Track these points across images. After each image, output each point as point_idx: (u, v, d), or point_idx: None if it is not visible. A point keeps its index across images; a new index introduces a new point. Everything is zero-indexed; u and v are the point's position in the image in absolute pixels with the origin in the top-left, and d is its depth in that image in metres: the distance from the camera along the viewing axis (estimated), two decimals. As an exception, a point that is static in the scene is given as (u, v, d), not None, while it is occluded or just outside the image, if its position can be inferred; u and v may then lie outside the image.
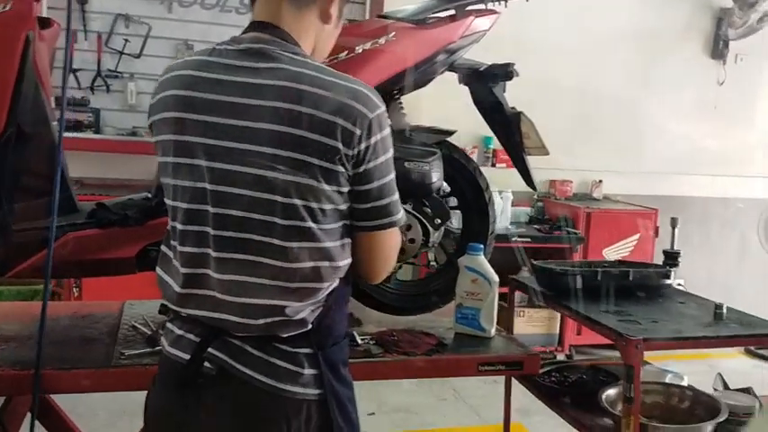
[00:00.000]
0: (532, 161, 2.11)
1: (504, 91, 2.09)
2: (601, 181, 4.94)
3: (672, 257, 2.13)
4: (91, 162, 3.92)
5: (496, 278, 1.96)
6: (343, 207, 1.21)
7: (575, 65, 4.77)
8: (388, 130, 1.22)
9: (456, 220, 2.14)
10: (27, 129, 1.61)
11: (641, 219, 4.48)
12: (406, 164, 1.84)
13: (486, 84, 2.04)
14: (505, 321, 2.66)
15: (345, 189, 1.19)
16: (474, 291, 1.95)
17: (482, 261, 1.98)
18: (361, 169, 1.19)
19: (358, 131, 1.16)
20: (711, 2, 5.13)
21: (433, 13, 1.94)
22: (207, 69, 1.20)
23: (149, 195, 1.80)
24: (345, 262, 1.24)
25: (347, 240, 1.24)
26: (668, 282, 2.10)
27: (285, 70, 1.17)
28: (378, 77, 1.81)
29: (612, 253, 4.42)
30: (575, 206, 4.58)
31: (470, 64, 2.05)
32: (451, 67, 2.04)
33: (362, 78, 1.76)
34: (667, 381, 2.02)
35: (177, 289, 1.24)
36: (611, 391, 1.86)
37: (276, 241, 1.16)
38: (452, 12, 1.98)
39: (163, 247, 1.30)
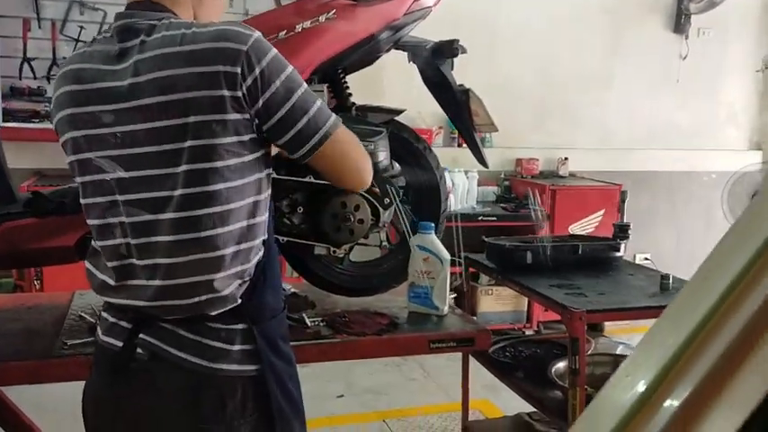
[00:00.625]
0: (503, 141, 2.10)
1: (453, 68, 2.08)
2: (567, 158, 4.97)
3: (622, 230, 2.14)
4: (48, 152, 3.85)
5: (448, 256, 1.96)
6: (250, 158, 1.17)
7: (539, 42, 4.78)
8: (271, 53, 1.15)
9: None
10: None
11: (606, 195, 4.51)
12: (350, 144, 1.82)
13: (432, 62, 2.02)
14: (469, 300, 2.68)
15: (248, 136, 1.15)
16: (426, 269, 1.96)
17: (433, 239, 1.98)
18: (260, 104, 1.14)
19: (237, 69, 1.11)
20: (672, -25, 5.16)
21: (375, -9, 1.92)
22: (89, 60, 1.19)
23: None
24: (260, 219, 1.21)
25: (261, 197, 1.21)
26: (618, 254, 2.12)
27: (150, 41, 1.15)
28: (319, 56, 1.79)
29: (578, 229, 4.45)
30: (540, 183, 4.60)
31: (416, 42, 2.04)
32: (398, 45, 2.02)
33: (303, 58, 1.77)
34: (618, 352, 2.05)
35: (112, 283, 1.23)
36: (560, 365, 1.88)
37: (182, 214, 1.15)
38: (396, -12, 1.96)
39: (92, 242, 1.28)
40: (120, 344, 1.22)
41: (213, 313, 1.19)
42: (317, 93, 1.96)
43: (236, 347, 1.20)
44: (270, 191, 1.25)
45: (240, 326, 1.21)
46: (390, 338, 1.84)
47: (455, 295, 3.90)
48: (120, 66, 1.16)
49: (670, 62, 5.21)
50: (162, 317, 1.20)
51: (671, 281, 1.91)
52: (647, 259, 4.77)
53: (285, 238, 1.89)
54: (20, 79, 3.90)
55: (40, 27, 3.95)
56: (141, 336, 1.21)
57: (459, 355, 2.30)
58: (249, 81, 1.12)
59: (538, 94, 4.87)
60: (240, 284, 1.20)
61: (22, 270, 3.63)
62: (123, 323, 1.23)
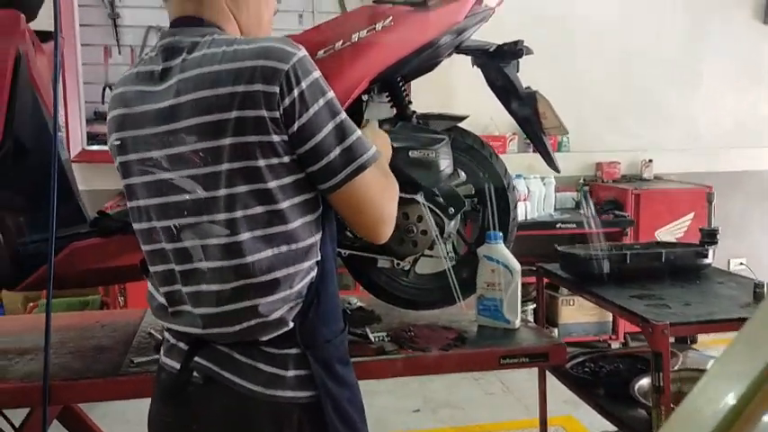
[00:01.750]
0: (582, 144, 2.01)
1: (518, 70, 1.99)
2: (651, 160, 4.73)
3: (709, 235, 1.98)
4: (115, 173, 3.99)
5: (518, 266, 1.87)
6: (293, 179, 1.12)
7: (617, 39, 4.58)
8: (313, 75, 1.10)
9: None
10: (26, 142, 1.62)
11: (694, 197, 4.25)
12: (411, 153, 1.77)
13: (496, 64, 1.94)
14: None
15: (288, 158, 1.10)
16: (494, 281, 1.87)
17: (501, 249, 1.89)
18: (296, 127, 1.08)
19: (276, 89, 1.06)
20: (761, -38, 4.84)
21: (435, -5, 1.86)
22: (135, 82, 1.18)
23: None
24: (310, 241, 1.16)
25: (309, 218, 1.16)
26: (706, 261, 1.96)
27: (191, 59, 1.11)
28: (377, 66, 1.75)
29: (665, 234, 4.22)
30: (622, 188, 4.39)
31: (478, 45, 1.96)
32: (460, 50, 1.95)
33: (361, 68, 1.73)
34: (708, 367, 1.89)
35: (167, 307, 1.22)
36: (643, 381, 1.75)
37: (224, 240, 1.11)
38: (453, -9, 1.90)
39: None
40: (177, 365, 1.20)
41: (264, 338, 1.15)
42: (381, 104, 1.94)
43: (290, 373, 1.15)
44: (321, 209, 1.20)
45: (293, 350, 1.16)
46: (458, 354, 1.77)
47: (534, 306, 3.77)
48: (163, 86, 1.14)
49: (760, 54, 4.89)
50: (216, 341, 1.17)
51: (765, 289, 1.75)
52: (742, 264, 4.47)
53: (347, 252, 1.86)
54: (102, 104, 4.08)
55: (120, 53, 4.11)
56: (197, 359, 1.18)
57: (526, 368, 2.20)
58: (287, 102, 1.07)
59: (617, 94, 4.66)
60: (291, 308, 1.15)
61: (108, 287, 3.76)
62: (181, 344, 1.22)
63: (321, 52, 1.71)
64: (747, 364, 0.49)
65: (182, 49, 1.14)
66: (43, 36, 1.77)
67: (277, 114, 1.07)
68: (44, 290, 1.78)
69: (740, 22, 4.85)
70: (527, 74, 1.96)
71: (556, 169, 2.08)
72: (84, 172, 3.45)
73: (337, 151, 1.11)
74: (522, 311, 1.94)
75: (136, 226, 1.23)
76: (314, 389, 1.16)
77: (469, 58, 2.03)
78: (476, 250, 1.94)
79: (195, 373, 1.18)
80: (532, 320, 3.42)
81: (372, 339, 1.77)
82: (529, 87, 1.99)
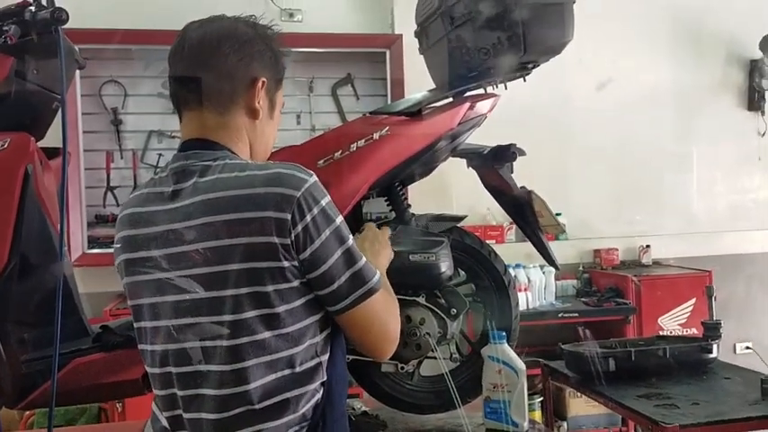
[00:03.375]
0: (580, 232, 2.03)
1: (512, 171, 2.04)
2: (648, 246, 4.75)
3: (712, 329, 1.98)
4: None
5: (523, 366, 1.86)
6: (302, 302, 1.12)
7: (609, 129, 4.69)
8: (324, 201, 1.13)
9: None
10: (32, 259, 1.64)
11: (695, 282, 4.25)
12: (411, 257, 1.79)
13: (491, 167, 2.00)
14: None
15: (297, 281, 1.11)
16: (500, 382, 1.85)
17: (505, 349, 1.88)
18: (307, 254, 1.10)
19: (287, 216, 1.08)
20: (740, 55, 5.03)
21: (429, 104, 1.94)
22: (145, 203, 1.20)
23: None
24: (314, 363, 1.15)
25: (317, 339, 1.16)
26: (711, 356, 1.95)
27: (203, 184, 1.13)
28: (375, 173, 1.80)
29: (669, 321, 4.19)
30: (622, 275, 4.39)
31: (473, 148, 2.03)
32: (455, 153, 2.02)
33: (360, 175, 1.78)
34: (723, 467, 1.84)
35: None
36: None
37: (226, 367, 1.11)
38: (450, 99, 1.98)
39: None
40: None
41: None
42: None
43: None
44: (330, 329, 1.20)
45: None
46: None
47: (541, 398, 3.69)
48: (173, 207, 1.16)
49: (749, 140, 5.01)
50: None
51: (774, 384, 1.73)
52: (748, 348, 4.41)
53: (351, 357, 1.84)
54: (104, 207, 4.13)
55: (122, 158, 4.20)
56: None
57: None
58: (299, 229, 1.09)
59: (612, 183, 4.73)
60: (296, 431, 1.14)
61: (88, 404, 3.69)
62: None
63: (321, 162, 1.76)
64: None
65: (193, 173, 1.16)
66: (50, 152, 1.82)
67: (288, 241, 1.08)
68: (46, 407, 1.76)
69: (727, 109, 5.00)
70: (522, 164, 2.01)
71: (555, 266, 2.10)
72: (85, 275, 3.45)
73: (347, 275, 1.14)
74: (530, 404, 1.90)
75: (140, 347, 1.22)
76: None
77: (464, 160, 2.10)
78: (480, 350, 1.94)
79: None
80: (539, 413, 3.35)
81: (378, 448, 1.74)
82: (524, 187, 2.04)
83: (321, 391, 1.16)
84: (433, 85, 2.05)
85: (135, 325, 1.23)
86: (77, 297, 1.80)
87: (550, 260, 2.05)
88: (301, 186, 1.11)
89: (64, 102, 1.58)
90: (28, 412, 3.74)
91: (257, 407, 1.11)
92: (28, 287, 1.65)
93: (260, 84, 1.24)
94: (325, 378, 1.17)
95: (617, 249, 4.69)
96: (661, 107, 4.86)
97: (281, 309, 1.10)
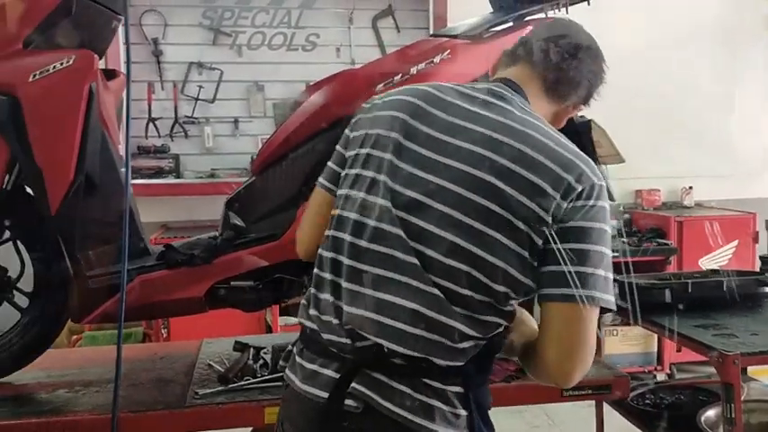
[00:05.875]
0: (620, 171, 2.01)
1: (571, 100, 2.00)
2: (691, 187, 4.67)
3: (770, 263, 1.95)
4: (173, 206, 4.05)
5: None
6: (529, 257, 1.10)
7: (655, 65, 4.55)
8: (607, 207, 1.15)
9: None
10: (95, 178, 1.66)
11: (738, 224, 4.19)
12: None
13: (550, 95, 1.95)
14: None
15: (542, 244, 1.10)
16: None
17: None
18: (570, 224, 1.10)
19: (580, 187, 1.10)
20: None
21: (490, 28, 1.89)
22: (445, 93, 1.20)
23: (216, 234, 1.82)
24: (509, 309, 1.16)
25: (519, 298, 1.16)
26: (767, 289, 1.93)
27: (516, 114, 1.17)
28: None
29: (709, 263, 4.15)
30: (664, 215, 4.34)
31: (532, 75, 1.97)
32: (513, 81, 1.97)
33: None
34: (776, 399, 1.84)
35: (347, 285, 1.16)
36: (710, 413, 1.72)
37: (455, 263, 1.10)
38: (510, 24, 1.92)
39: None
40: (325, 395, 1.12)
41: (438, 363, 1.10)
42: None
43: (461, 412, 1.12)
44: None
45: (457, 388, 1.12)
46: (519, 386, 1.76)
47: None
48: (472, 108, 1.20)
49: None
50: (379, 361, 1.12)
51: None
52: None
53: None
54: (146, 138, 4.15)
55: (162, 89, 4.20)
56: (353, 385, 1.11)
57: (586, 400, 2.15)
58: (580, 203, 1.14)
59: (654, 121, 4.62)
60: (476, 345, 1.13)
61: (150, 320, 3.79)
62: (327, 371, 1.14)
63: (380, 85, 1.74)
64: None
65: (501, 96, 1.20)
66: (106, 74, 1.82)
67: (565, 204, 1.12)
68: (106, 322, 1.81)
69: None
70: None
71: (611, 198, 2.07)
72: (130, 205, 3.51)
73: (585, 269, 1.10)
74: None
75: (346, 213, 1.18)
76: (472, 430, 1.13)
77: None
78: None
79: (350, 402, 1.10)
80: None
81: (433, 371, 1.76)
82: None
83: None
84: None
85: (348, 193, 1.19)
86: (138, 218, 1.83)
87: (608, 192, 2.02)
88: (602, 181, 1.17)
89: (127, 19, 1.57)
90: (75, 336, 3.88)
91: (463, 312, 1.11)
92: (92, 205, 1.67)
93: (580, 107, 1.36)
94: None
95: (659, 190, 4.62)
96: (703, 43, 4.69)
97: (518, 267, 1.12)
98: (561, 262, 1.09)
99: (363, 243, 1.14)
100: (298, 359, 1.19)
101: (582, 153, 1.16)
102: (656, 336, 4.20)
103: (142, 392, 1.69)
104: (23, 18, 1.60)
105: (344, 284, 1.15)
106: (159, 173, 4.10)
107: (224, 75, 4.24)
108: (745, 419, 1.64)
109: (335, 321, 1.15)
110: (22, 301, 1.78)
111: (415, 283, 1.10)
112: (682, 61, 4.64)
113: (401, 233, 1.11)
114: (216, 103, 4.24)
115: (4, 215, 1.70)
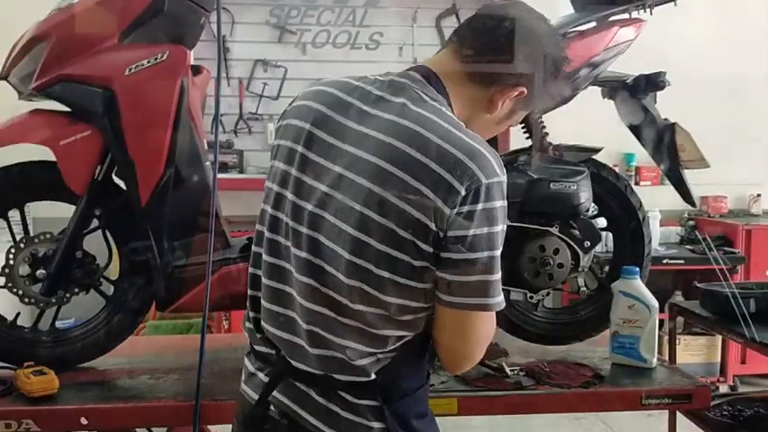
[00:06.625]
0: (686, 176, 1.96)
1: (656, 102, 1.97)
2: (759, 195, 4.53)
3: None
4: (237, 200, 4.10)
5: (656, 303, 1.82)
6: (421, 265, 1.08)
7: (723, 67, 4.41)
8: (500, 203, 1.08)
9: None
10: (183, 170, 1.70)
11: (811, 235, 4.04)
12: (551, 185, 1.77)
13: (634, 96, 1.93)
14: (664, 350, 2.48)
15: (431, 249, 1.06)
16: (631, 318, 1.83)
17: (639, 285, 1.85)
18: (459, 233, 1.05)
19: (464, 191, 1.04)
20: None
21: (573, 27, 1.87)
22: (348, 92, 1.16)
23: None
24: (410, 317, 1.12)
25: (422, 305, 1.12)
26: None
27: (409, 109, 1.10)
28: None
29: (779, 273, 4.02)
30: (731, 223, 4.22)
31: (616, 76, 1.95)
32: (595, 81, 1.94)
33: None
34: None
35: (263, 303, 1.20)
36: (796, 427, 1.66)
37: (345, 279, 1.08)
38: (594, 24, 1.90)
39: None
40: (255, 396, 1.18)
41: (342, 379, 1.12)
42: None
43: (367, 423, 1.12)
44: None
45: (370, 402, 1.12)
46: (596, 392, 1.72)
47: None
48: (369, 109, 1.15)
49: None
50: (297, 369, 1.14)
51: None
52: None
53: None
54: (211, 134, 4.22)
55: (228, 85, 4.27)
56: (274, 394, 1.16)
57: (645, 411, 2.10)
58: (465, 209, 1.07)
59: (723, 126, 4.48)
60: (378, 360, 1.13)
61: (230, 311, 3.86)
62: (261, 375, 1.19)
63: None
64: None
65: (400, 88, 1.13)
66: (192, 70, 1.86)
67: (448, 212, 1.06)
68: (190, 311, 1.85)
69: None
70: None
71: (692, 203, 2.03)
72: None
73: (473, 278, 1.08)
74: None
75: (269, 210, 1.18)
76: None
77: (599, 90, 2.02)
78: (609, 285, 1.91)
79: (272, 407, 1.16)
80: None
81: (509, 373, 1.75)
82: (666, 119, 1.96)
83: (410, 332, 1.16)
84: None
85: (269, 186, 1.19)
86: (220, 211, 1.86)
87: (689, 197, 1.98)
88: (492, 177, 1.08)
89: (219, 13, 1.60)
90: (141, 325, 3.97)
91: (350, 323, 1.11)
92: (179, 198, 1.71)
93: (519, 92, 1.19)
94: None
95: (725, 197, 4.50)
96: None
97: (417, 263, 1.09)
98: (449, 269, 1.07)
99: (271, 259, 1.16)
100: (245, 360, 1.25)
101: (477, 146, 1.07)
102: (719, 346, 4.10)
103: (222, 381, 1.72)
104: (120, 13, 1.65)
105: (262, 300, 1.19)
106: (224, 168, 4.17)
107: (288, 72, 4.29)
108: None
109: (258, 335, 1.21)
110: (108, 290, 1.83)
111: (307, 303, 1.11)
112: (759, 63, 4.48)
113: (300, 252, 1.11)
114: (280, 100, 4.29)
115: (95, 205, 1.74)
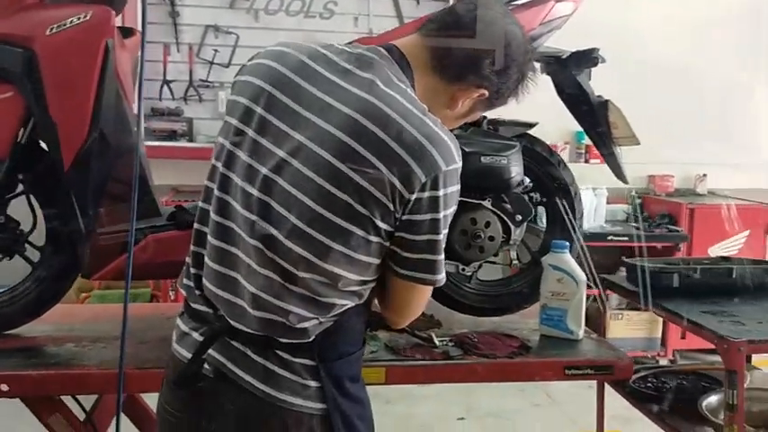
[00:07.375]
0: (634, 155, 2.00)
1: (590, 79, 1.98)
2: (705, 175, 4.64)
3: (782, 253, 1.93)
4: (185, 169, 4.06)
5: (584, 277, 1.85)
6: (376, 241, 1.12)
7: (675, 48, 4.47)
8: (455, 188, 1.13)
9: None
10: (109, 135, 1.66)
11: (751, 215, 4.16)
12: (482, 158, 1.77)
13: (569, 72, 1.94)
14: (597, 324, 2.53)
15: (387, 227, 1.11)
16: (559, 291, 1.86)
17: (568, 259, 1.88)
18: (415, 218, 1.10)
19: (423, 178, 1.08)
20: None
21: (510, 2, 1.86)
22: (313, 58, 1.15)
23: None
24: (357, 288, 1.16)
25: (370, 277, 1.17)
26: (778, 280, 1.92)
27: (378, 87, 1.11)
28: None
29: (719, 251, 4.14)
30: (676, 202, 4.32)
31: (552, 52, 1.96)
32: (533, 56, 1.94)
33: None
34: (779, 388, 1.84)
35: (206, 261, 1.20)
36: (712, 399, 1.72)
37: (294, 246, 1.10)
38: (530, -1, 1.90)
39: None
40: (189, 355, 1.19)
41: (281, 340, 1.14)
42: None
43: (310, 383, 1.15)
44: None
45: (306, 361, 1.16)
46: (523, 362, 1.76)
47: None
48: (336, 79, 1.16)
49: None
50: (234, 329, 1.15)
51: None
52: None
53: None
54: (159, 100, 4.15)
55: (178, 51, 4.19)
56: (209, 352, 1.17)
57: (587, 381, 2.16)
58: (425, 195, 1.13)
59: (671, 106, 4.57)
60: (320, 323, 1.15)
61: (158, 281, 3.83)
62: (195, 334, 1.20)
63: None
64: None
65: (368, 64, 1.14)
66: (123, 32, 1.81)
67: (407, 196, 1.10)
68: (116, 280, 1.82)
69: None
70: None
71: (624, 180, 2.06)
72: (142, 167, 3.52)
73: (428, 257, 1.16)
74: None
75: (221, 168, 1.17)
76: (324, 401, 1.16)
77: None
78: (540, 259, 1.93)
79: (206, 366, 1.16)
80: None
81: (437, 344, 1.77)
82: (600, 96, 1.98)
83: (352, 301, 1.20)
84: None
85: (220, 142, 1.19)
86: (150, 178, 1.83)
87: (620, 174, 2.01)
88: (451, 164, 1.13)
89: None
90: (84, 294, 3.92)
91: (295, 289, 1.14)
92: (104, 163, 1.67)
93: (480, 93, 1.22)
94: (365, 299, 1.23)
95: (672, 176, 4.60)
96: (730, 28, 4.61)
97: (373, 238, 1.14)
98: (400, 246, 1.13)
99: (218, 218, 1.16)
100: (177, 320, 1.26)
101: (440, 132, 1.10)
102: (660, 321, 4.21)
103: (148, 351, 1.71)
104: (42, -29, 1.59)
105: (206, 258, 1.19)
106: (172, 136, 4.10)
107: (240, 40, 4.21)
108: (747, 407, 1.64)
109: (198, 292, 1.21)
110: (34, 256, 1.80)
111: (254, 265, 1.12)
112: (705, 44, 4.56)
113: (249, 214, 1.12)
114: (231, 68, 4.22)
115: (18, 169, 1.70)
